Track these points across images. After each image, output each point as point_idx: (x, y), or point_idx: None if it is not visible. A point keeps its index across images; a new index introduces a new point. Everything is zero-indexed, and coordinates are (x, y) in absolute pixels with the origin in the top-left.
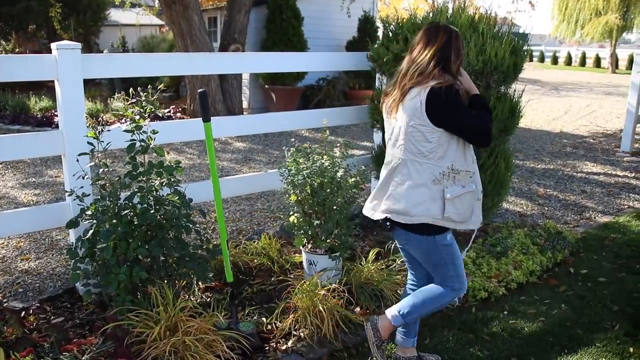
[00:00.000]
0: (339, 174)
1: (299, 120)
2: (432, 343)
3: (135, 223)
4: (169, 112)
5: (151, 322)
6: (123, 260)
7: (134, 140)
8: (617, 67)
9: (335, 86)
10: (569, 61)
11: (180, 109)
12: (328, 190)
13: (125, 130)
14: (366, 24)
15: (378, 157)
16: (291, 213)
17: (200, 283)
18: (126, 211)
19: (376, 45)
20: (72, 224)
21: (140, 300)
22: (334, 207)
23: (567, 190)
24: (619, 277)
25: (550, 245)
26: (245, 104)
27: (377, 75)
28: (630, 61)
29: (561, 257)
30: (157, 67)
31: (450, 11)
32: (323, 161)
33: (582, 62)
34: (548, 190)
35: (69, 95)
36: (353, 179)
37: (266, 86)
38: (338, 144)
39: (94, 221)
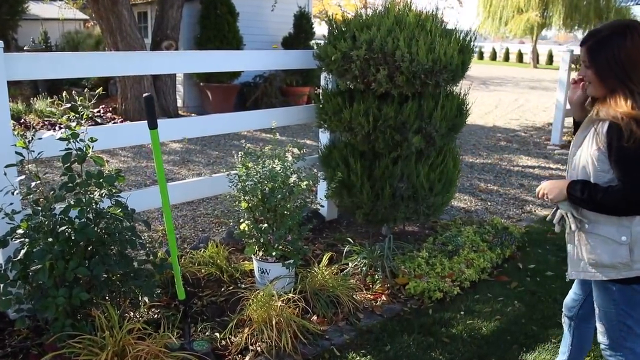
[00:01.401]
0: (292, 179)
1: (247, 122)
2: (394, 350)
3: (73, 239)
4: (99, 112)
5: (96, 347)
6: (61, 281)
7: (70, 149)
8: (537, 62)
9: (272, 83)
10: (493, 56)
11: (110, 109)
12: (280, 195)
13: (60, 139)
14: (302, 20)
15: (325, 158)
16: (241, 220)
17: (147, 300)
18: (63, 227)
19: (323, 44)
20: (1, 243)
21: (82, 324)
22: (286, 213)
23: (506, 184)
24: (564, 270)
25: (499, 241)
26: (179, 103)
27: (324, 74)
28: (550, 57)
29: (509, 252)
30: (91, 67)
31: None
32: (274, 165)
33: (506, 58)
34: (489, 185)
35: None
36: (305, 183)
37: (201, 84)
38: (290, 147)
39: (26, 240)
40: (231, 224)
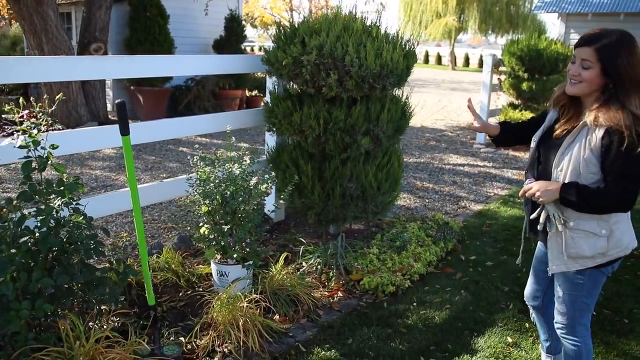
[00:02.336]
0: (252, 182)
1: (200, 126)
2: (356, 342)
3: (34, 250)
4: (22, 117)
5: (65, 359)
6: (23, 293)
7: (30, 157)
8: (455, 64)
9: (204, 86)
10: None
11: (34, 114)
12: (240, 198)
13: (21, 147)
14: (233, 22)
15: (273, 160)
16: (201, 224)
17: (112, 308)
18: (24, 238)
19: (271, 48)
20: None
21: (46, 337)
22: (244, 216)
23: (440, 182)
24: (502, 260)
25: (442, 235)
26: (109, 107)
27: (273, 79)
28: (467, 59)
29: (451, 246)
30: (45, 72)
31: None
32: (234, 169)
33: (426, 60)
34: (424, 183)
35: None
36: (265, 186)
37: (132, 87)
38: (247, 151)
39: None
40: (188, 228)
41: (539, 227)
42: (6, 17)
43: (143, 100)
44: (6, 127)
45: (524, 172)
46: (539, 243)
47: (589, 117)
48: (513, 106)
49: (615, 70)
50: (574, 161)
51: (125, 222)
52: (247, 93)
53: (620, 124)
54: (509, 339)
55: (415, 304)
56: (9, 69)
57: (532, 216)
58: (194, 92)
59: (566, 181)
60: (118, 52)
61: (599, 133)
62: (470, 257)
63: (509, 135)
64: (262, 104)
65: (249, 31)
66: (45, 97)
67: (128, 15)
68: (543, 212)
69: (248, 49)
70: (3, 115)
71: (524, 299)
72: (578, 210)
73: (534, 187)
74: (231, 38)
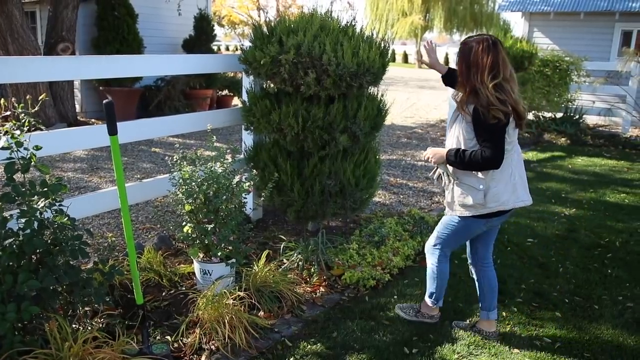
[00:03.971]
0: (235, 180)
1: (180, 125)
2: (341, 335)
3: (19, 252)
4: (4, 118)
5: None
6: (8, 296)
7: (13, 158)
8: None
9: (175, 86)
10: None
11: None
12: (224, 197)
13: (3, 148)
14: (202, 22)
15: (251, 159)
16: (184, 223)
17: (96, 309)
18: (9, 240)
19: (249, 48)
20: None
21: (33, 339)
22: (227, 214)
23: (413, 178)
24: None
25: (418, 230)
26: (77, 108)
27: (250, 78)
28: None
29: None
30: (20, 73)
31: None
32: (216, 168)
33: (393, 58)
34: (398, 179)
35: None
36: (247, 184)
37: (101, 88)
38: (228, 149)
39: None
40: (171, 227)
41: (434, 181)
42: None
43: (113, 101)
44: None
45: None
46: None
47: (462, 97)
48: None
49: (461, 61)
50: (455, 132)
51: (103, 224)
52: (218, 92)
53: (482, 103)
54: None
55: (396, 296)
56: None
57: (430, 174)
58: (165, 92)
59: (451, 143)
60: (86, 52)
61: (470, 109)
62: None
63: (454, 78)
64: (240, 103)
65: (216, 30)
66: (28, 97)
67: (96, 15)
68: (437, 170)
69: (215, 48)
70: None
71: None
72: (458, 168)
73: (428, 152)
74: (201, 37)
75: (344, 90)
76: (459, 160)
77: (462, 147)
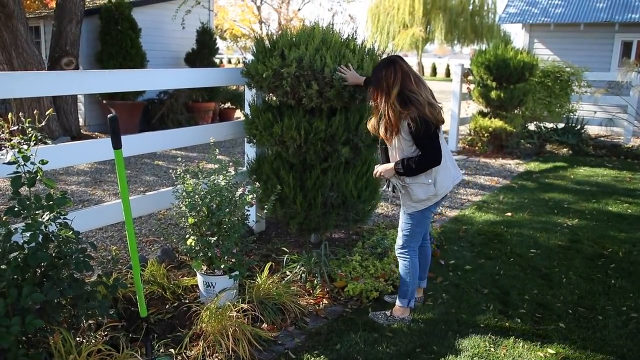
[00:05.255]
0: (237, 193)
1: (184, 139)
2: (344, 347)
3: (24, 265)
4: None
5: None
6: (13, 309)
7: (19, 172)
8: (423, 74)
9: (177, 100)
10: None
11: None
12: (227, 209)
13: (10, 162)
14: (205, 35)
15: (254, 171)
16: (187, 236)
17: (100, 322)
18: (14, 253)
19: (251, 61)
20: None
21: (36, 353)
22: (230, 227)
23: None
24: (479, 264)
25: None
26: (81, 122)
27: (253, 91)
28: (434, 69)
29: (431, 251)
30: (25, 87)
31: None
32: (219, 181)
33: None
34: None
35: None
36: (250, 196)
37: (104, 102)
38: (230, 162)
39: None
40: (174, 240)
41: (390, 194)
42: None
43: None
44: None
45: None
46: None
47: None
48: (482, 114)
49: (376, 84)
50: (396, 144)
51: (106, 237)
52: (220, 105)
53: (414, 117)
54: (491, 339)
55: None
56: (3, 85)
57: (383, 188)
58: (167, 106)
59: (396, 156)
60: (89, 66)
61: (404, 123)
62: (449, 262)
63: None
64: (242, 115)
65: (218, 43)
66: (35, 112)
67: (99, 29)
68: (390, 182)
69: (218, 61)
70: None
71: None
72: (409, 175)
73: (380, 169)
74: (204, 51)
75: (347, 102)
76: (408, 169)
77: (407, 156)
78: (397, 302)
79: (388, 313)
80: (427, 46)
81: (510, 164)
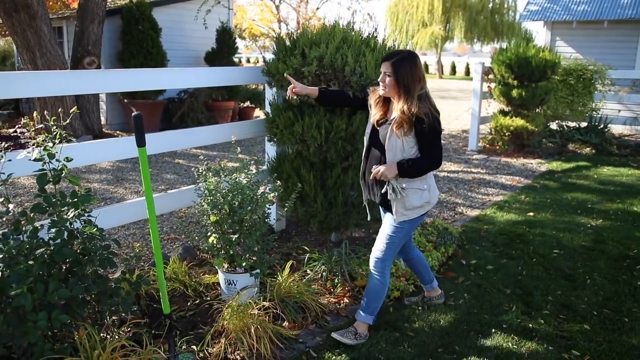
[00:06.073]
0: (260, 191)
1: (206, 137)
2: (366, 346)
3: (50, 261)
4: (15, 131)
5: None
6: (40, 304)
7: (44, 170)
8: (442, 72)
9: (197, 99)
10: None
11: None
12: (249, 208)
13: (35, 159)
14: (224, 35)
15: (274, 169)
16: (209, 234)
17: (123, 318)
18: (41, 249)
19: (271, 60)
20: None
21: (62, 347)
22: (252, 225)
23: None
24: (502, 264)
25: (442, 241)
26: (103, 120)
27: (273, 90)
28: (453, 67)
29: (452, 250)
30: (50, 86)
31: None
32: (241, 179)
33: None
34: None
35: None
36: (272, 195)
37: (125, 100)
38: (252, 161)
39: (0, 264)
40: (196, 238)
41: (388, 197)
42: None
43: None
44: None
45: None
46: (380, 210)
47: (399, 111)
48: (504, 113)
49: (402, 77)
50: (397, 142)
51: (128, 234)
52: (240, 104)
53: (424, 112)
54: (514, 340)
55: (420, 308)
56: (28, 84)
57: (383, 191)
58: (188, 105)
59: (394, 157)
60: (111, 65)
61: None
62: (470, 262)
63: (329, 99)
64: (262, 114)
65: (237, 43)
66: (60, 110)
67: (120, 29)
68: (388, 186)
69: (236, 60)
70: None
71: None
72: (412, 177)
73: (382, 168)
74: (223, 50)
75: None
76: (413, 168)
77: (407, 157)
78: (365, 316)
79: (354, 330)
80: (447, 45)
81: (531, 164)
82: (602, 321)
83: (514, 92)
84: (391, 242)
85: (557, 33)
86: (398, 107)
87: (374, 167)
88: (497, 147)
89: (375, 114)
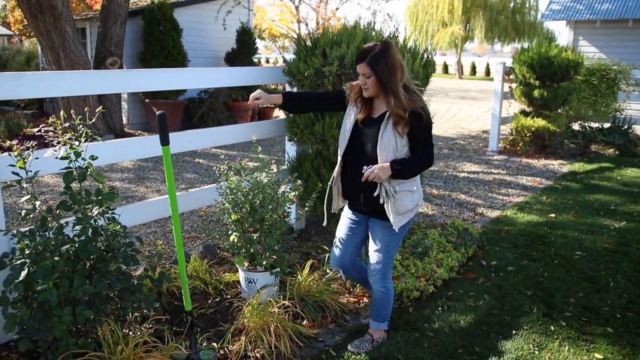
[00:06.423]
0: (280, 190)
1: (227, 136)
2: (385, 346)
3: (75, 258)
4: (39, 131)
5: None
6: (64, 300)
7: (70, 168)
8: (462, 73)
9: (217, 99)
10: None
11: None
12: (270, 207)
13: (62, 158)
14: (244, 35)
15: (294, 169)
16: (230, 232)
17: (145, 314)
18: (66, 246)
19: (293, 60)
20: None
21: (85, 342)
22: (272, 224)
23: (456, 189)
24: (522, 265)
25: (462, 241)
26: (124, 120)
27: (294, 90)
28: (473, 68)
29: (472, 251)
30: (75, 86)
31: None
32: (262, 178)
33: (433, 69)
34: (440, 190)
35: None
36: (293, 194)
37: (147, 100)
38: (273, 161)
39: (27, 260)
40: (217, 236)
41: (381, 201)
42: (17, 33)
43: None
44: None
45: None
46: (350, 216)
47: (389, 109)
48: (525, 113)
49: (382, 74)
50: (391, 142)
51: (150, 232)
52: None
53: (417, 107)
54: (535, 341)
55: (440, 308)
56: (84, 80)
57: (375, 194)
58: (208, 104)
59: (387, 157)
60: (133, 65)
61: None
62: (491, 263)
63: (296, 103)
64: (284, 114)
65: (257, 43)
66: (86, 109)
67: (142, 30)
68: (380, 189)
69: (256, 60)
70: (45, 128)
71: (333, 265)
72: (406, 178)
73: (375, 169)
74: (243, 50)
75: None
76: (407, 169)
77: (399, 157)
78: (380, 325)
79: (370, 337)
80: (466, 45)
81: (553, 165)
82: (626, 324)
83: (536, 93)
84: (388, 252)
85: (580, 32)
86: (389, 104)
87: (364, 168)
88: (518, 148)
89: (358, 111)
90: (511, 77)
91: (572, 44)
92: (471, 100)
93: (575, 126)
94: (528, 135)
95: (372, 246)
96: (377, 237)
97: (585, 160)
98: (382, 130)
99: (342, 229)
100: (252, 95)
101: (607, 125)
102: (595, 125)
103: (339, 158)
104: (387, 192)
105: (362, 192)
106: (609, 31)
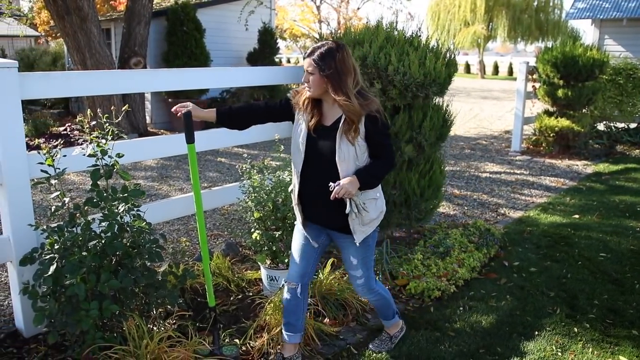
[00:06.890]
0: None
1: (244, 135)
2: (406, 345)
3: (102, 253)
4: (65, 130)
5: (131, 357)
6: (92, 294)
7: (97, 165)
8: (484, 72)
9: (239, 98)
10: None
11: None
12: (292, 205)
13: (90, 155)
14: (266, 35)
15: None
16: (252, 230)
17: (169, 310)
18: (93, 242)
19: None
20: (28, 260)
21: (111, 336)
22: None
23: (478, 189)
24: (545, 266)
25: (484, 242)
26: (148, 119)
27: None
28: (496, 67)
29: (494, 252)
30: (102, 85)
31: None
32: (284, 176)
33: (455, 68)
34: (462, 190)
35: (7, 119)
36: None
37: (170, 100)
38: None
39: (55, 255)
40: (239, 234)
41: (350, 217)
42: (43, 34)
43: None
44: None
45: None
46: (301, 230)
47: (342, 112)
48: (548, 113)
49: (329, 73)
50: (349, 149)
51: (173, 230)
52: None
53: (372, 110)
54: (558, 343)
55: (461, 308)
56: (112, 80)
57: (347, 210)
58: (230, 104)
59: (348, 168)
60: (156, 65)
61: (362, 121)
62: (513, 263)
63: (232, 118)
64: None
65: (278, 43)
66: (112, 108)
67: (166, 30)
68: (351, 203)
69: (277, 60)
70: (72, 126)
71: (287, 279)
72: (373, 187)
73: (344, 185)
74: (265, 50)
75: (410, 101)
76: (373, 177)
77: (360, 165)
78: (392, 321)
79: (387, 335)
80: (489, 44)
81: (577, 165)
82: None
83: (560, 92)
84: (366, 265)
85: (606, 31)
86: (340, 105)
87: (331, 185)
88: (541, 148)
89: (308, 119)
90: (534, 76)
91: (597, 42)
92: (493, 100)
93: (600, 126)
94: (551, 135)
95: (349, 264)
96: (351, 254)
97: (610, 161)
98: (338, 139)
99: (299, 240)
100: (179, 104)
101: (633, 125)
102: (621, 125)
103: (295, 176)
104: (357, 206)
105: (327, 209)
106: (636, 29)
